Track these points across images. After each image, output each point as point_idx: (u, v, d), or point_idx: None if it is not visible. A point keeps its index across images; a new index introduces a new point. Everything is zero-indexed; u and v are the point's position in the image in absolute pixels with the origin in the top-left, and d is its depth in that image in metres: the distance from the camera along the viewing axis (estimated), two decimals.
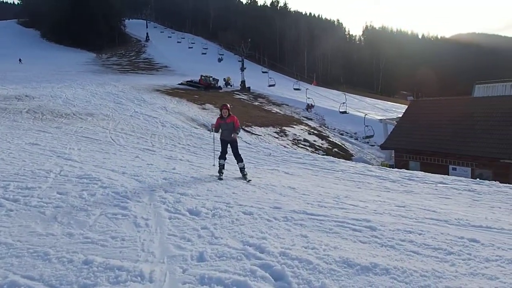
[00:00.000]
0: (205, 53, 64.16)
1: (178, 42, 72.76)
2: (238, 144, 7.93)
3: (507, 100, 20.84)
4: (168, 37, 78.91)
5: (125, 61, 62.60)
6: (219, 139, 7.92)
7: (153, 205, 5.09)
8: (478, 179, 9.42)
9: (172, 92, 33.63)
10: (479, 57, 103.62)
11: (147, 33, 79.91)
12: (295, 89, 40.09)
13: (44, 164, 7.86)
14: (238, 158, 7.68)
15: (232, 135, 7.53)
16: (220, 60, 56.65)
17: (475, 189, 7.76)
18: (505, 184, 8.29)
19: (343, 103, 32.33)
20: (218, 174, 7.59)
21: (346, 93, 37.39)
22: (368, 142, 30.57)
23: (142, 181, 6.55)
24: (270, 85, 42.00)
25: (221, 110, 7.68)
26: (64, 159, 8.76)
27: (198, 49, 66.83)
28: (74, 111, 18.86)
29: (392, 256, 3.52)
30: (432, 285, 2.93)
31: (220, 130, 7.74)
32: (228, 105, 7.69)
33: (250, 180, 7.24)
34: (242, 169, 7.68)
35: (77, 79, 35.02)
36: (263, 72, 44.68)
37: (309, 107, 35.51)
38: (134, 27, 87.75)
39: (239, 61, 44.64)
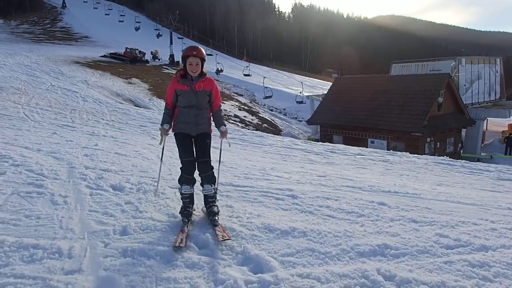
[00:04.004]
0: (122, 21, 58.37)
1: (94, 8, 66.73)
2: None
3: (419, 79, 22.83)
4: (84, 2, 71.99)
5: (38, 30, 56.92)
6: (172, 134, 3.73)
7: (72, 182, 4.83)
8: (392, 150, 10.37)
9: (94, 64, 31.57)
10: (396, 38, 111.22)
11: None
12: (245, 75, 35.97)
13: None
14: (208, 176, 3.71)
15: (220, 129, 3.97)
16: (137, 29, 53.41)
17: (388, 159, 8.50)
18: (413, 155, 9.21)
19: (300, 92, 28.71)
20: (181, 221, 3.51)
21: (276, 70, 37.81)
22: (265, 105, 31.88)
23: (60, 158, 6.16)
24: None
25: (185, 59, 3.57)
26: None
27: (118, 17, 61.50)
28: None
29: (310, 220, 3.78)
30: (343, 243, 3.22)
31: (176, 114, 3.67)
32: (203, 50, 3.72)
33: (227, 239, 3.19)
34: (209, 199, 3.75)
35: None
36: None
37: (218, 71, 37.56)
38: None
39: (158, 32, 43.38)
